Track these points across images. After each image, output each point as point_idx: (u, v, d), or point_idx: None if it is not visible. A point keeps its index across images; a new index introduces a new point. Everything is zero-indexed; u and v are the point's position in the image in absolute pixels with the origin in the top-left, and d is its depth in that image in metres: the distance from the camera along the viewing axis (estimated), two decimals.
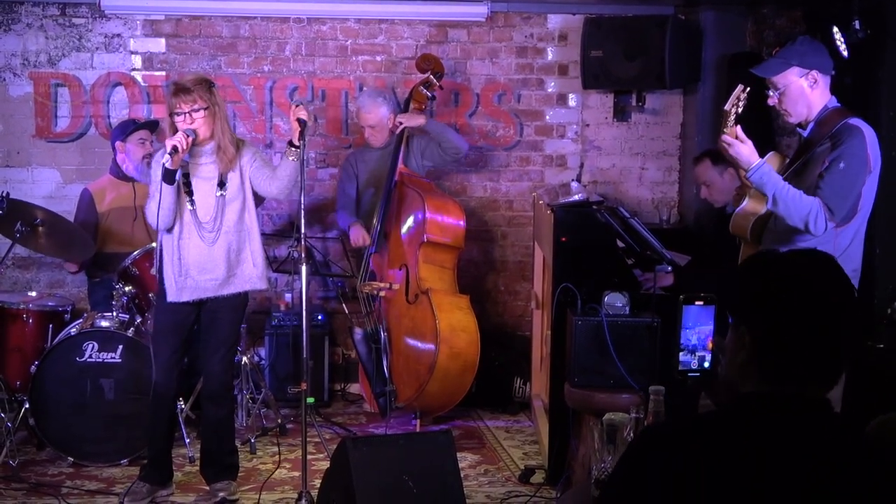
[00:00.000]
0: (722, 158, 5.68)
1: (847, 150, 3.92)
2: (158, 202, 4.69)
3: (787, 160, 4.24)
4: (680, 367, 3.92)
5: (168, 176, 4.68)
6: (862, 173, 3.95)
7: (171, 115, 4.78)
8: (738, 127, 4.03)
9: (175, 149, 4.62)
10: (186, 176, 4.80)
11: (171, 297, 4.82)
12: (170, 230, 4.81)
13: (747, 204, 4.23)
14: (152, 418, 4.94)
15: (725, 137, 4.01)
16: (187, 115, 4.72)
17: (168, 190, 4.68)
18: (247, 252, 4.88)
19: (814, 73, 4.05)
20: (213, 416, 4.99)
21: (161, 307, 4.94)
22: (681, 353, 3.89)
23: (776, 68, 4.07)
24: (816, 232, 3.91)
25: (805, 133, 4.13)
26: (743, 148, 3.98)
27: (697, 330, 3.96)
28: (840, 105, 4.12)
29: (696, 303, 3.92)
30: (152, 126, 6.22)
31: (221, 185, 4.79)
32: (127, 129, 6.11)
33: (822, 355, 1.88)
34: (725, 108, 4.04)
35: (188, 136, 4.68)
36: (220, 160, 4.80)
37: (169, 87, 4.90)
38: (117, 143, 6.11)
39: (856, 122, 4.00)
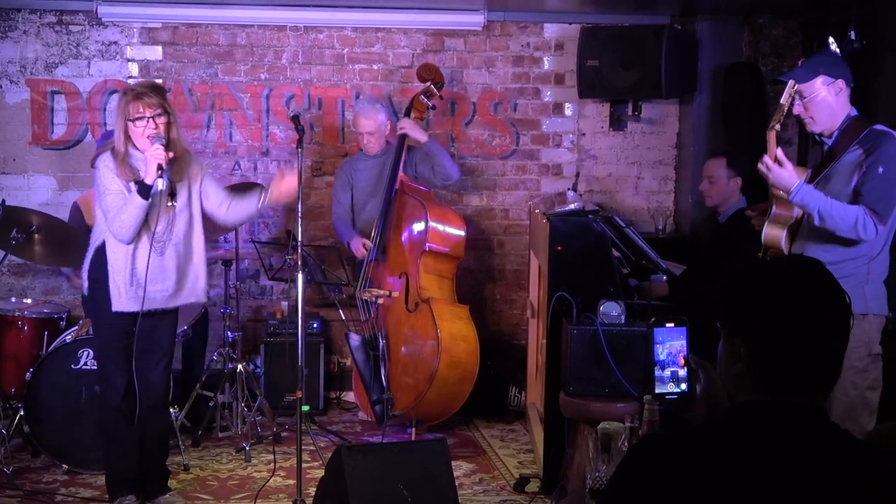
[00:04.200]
0: (737, 162, 5.71)
1: (883, 154, 3.97)
2: (122, 216, 4.54)
3: (810, 171, 4.23)
4: (657, 391, 3.94)
5: (146, 191, 4.52)
6: None
7: (128, 122, 4.55)
8: (780, 149, 4.08)
9: (160, 166, 4.50)
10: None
11: (118, 306, 4.63)
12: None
13: (776, 212, 4.20)
14: (123, 440, 4.78)
15: (766, 161, 4.04)
16: (150, 119, 4.54)
17: (144, 205, 4.53)
18: (193, 264, 4.80)
19: (839, 82, 4.10)
20: (157, 426, 4.93)
21: (104, 321, 4.72)
22: (654, 368, 3.91)
23: (805, 76, 4.12)
24: (867, 237, 3.96)
25: (829, 142, 4.16)
26: (783, 172, 4.02)
27: (668, 345, 3.98)
28: (860, 114, 4.16)
29: (667, 325, 3.95)
30: None
31: (172, 195, 4.63)
32: (104, 139, 6.13)
33: (818, 362, 1.88)
34: (781, 101, 4.09)
35: (162, 144, 4.52)
36: (176, 170, 4.64)
37: (126, 93, 4.63)
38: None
39: (882, 127, 4.06)
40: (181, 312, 5.00)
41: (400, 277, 6.10)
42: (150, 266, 4.62)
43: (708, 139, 6.91)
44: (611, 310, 4.60)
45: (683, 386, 4.04)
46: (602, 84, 6.82)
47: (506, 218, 7.24)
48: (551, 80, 7.16)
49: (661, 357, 4.02)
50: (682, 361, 4.05)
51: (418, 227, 6.07)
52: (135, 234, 4.58)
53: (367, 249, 6.19)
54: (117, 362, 4.72)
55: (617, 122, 7.21)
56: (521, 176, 7.21)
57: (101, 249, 4.68)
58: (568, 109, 7.20)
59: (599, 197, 7.21)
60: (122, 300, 4.64)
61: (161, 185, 4.53)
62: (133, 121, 4.56)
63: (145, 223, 4.60)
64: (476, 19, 6.98)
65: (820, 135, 4.18)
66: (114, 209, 4.57)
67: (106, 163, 4.62)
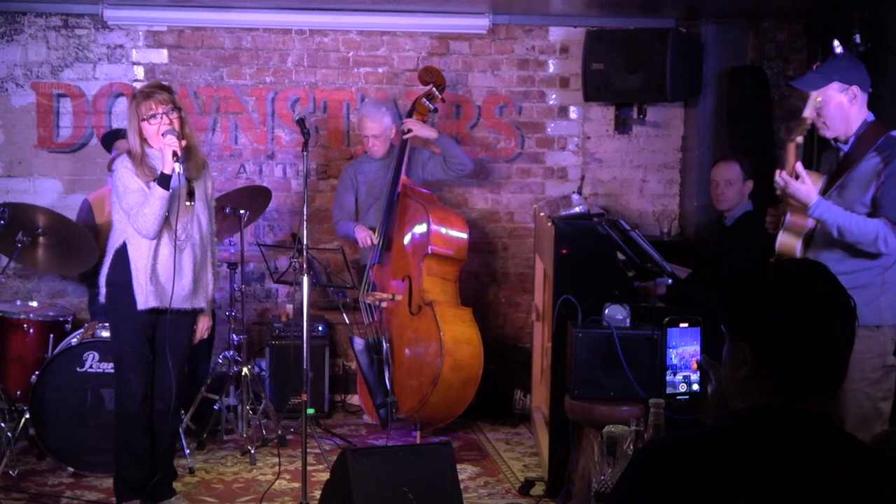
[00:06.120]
0: (745, 166, 5.70)
1: None
2: (145, 209, 4.58)
3: (825, 177, 4.19)
4: (668, 390, 3.93)
5: (165, 181, 4.57)
6: None
7: (141, 122, 4.62)
8: (799, 163, 4.01)
9: (175, 153, 4.54)
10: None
11: (143, 304, 4.66)
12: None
13: (790, 220, 4.13)
14: (137, 446, 4.80)
15: (783, 175, 3.97)
16: (163, 116, 4.60)
17: (166, 196, 4.58)
18: (207, 268, 4.87)
19: (854, 88, 4.05)
20: (170, 429, 4.96)
21: (125, 325, 4.76)
22: (666, 373, 3.90)
23: (817, 83, 4.06)
24: (889, 252, 3.92)
25: (846, 148, 4.11)
26: (801, 187, 3.95)
27: (681, 350, 3.97)
28: (877, 119, 4.13)
29: (681, 325, 3.93)
30: None
31: (190, 194, 4.67)
32: (108, 140, 6.15)
33: (822, 366, 1.88)
34: (805, 114, 4.03)
35: (175, 135, 4.57)
36: (192, 168, 4.71)
37: (135, 96, 4.70)
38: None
39: None
40: None
41: (403, 280, 6.10)
42: (170, 262, 4.68)
43: (713, 143, 6.91)
44: (616, 313, 4.60)
45: (695, 387, 4.04)
46: (607, 87, 6.82)
47: (511, 221, 7.24)
48: (556, 84, 7.16)
49: (674, 361, 4.02)
50: (694, 366, 4.04)
51: (421, 229, 6.07)
52: (158, 227, 4.63)
53: (372, 241, 6.18)
54: (136, 370, 4.75)
55: (622, 126, 7.20)
56: (526, 179, 7.21)
57: (122, 251, 4.71)
58: (573, 113, 7.20)
59: (604, 200, 7.21)
60: (144, 295, 4.67)
61: (178, 168, 4.56)
62: (146, 119, 4.62)
63: (166, 221, 4.65)
64: (481, 23, 6.98)
65: (836, 140, 4.14)
66: (136, 206, 4.63)
67: (125, 164, 4.69)
